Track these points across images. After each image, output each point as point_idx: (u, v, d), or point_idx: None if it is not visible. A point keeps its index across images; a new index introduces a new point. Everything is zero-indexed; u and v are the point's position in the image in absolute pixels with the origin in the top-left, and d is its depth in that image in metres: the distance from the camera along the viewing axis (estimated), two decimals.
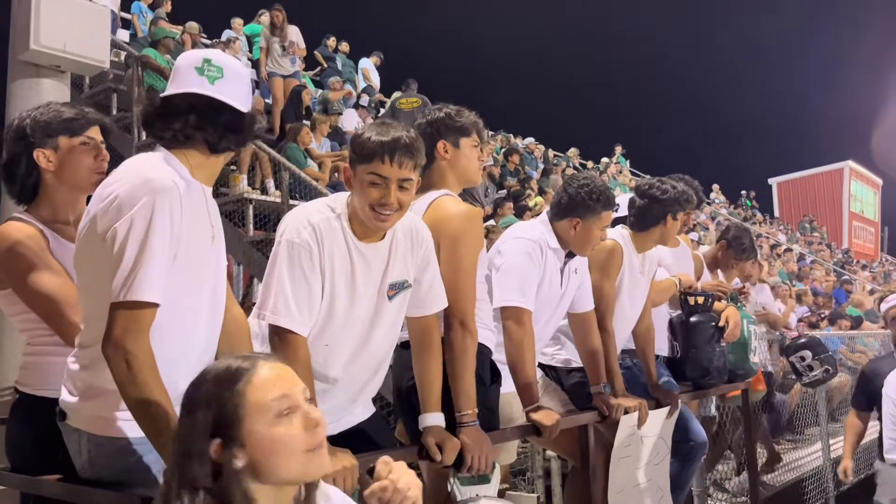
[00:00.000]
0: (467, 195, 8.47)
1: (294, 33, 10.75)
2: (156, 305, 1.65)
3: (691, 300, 3.75)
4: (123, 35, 10.23)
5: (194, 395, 1.23)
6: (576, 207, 2.92)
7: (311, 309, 2.03)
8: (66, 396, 1.80)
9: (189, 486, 1.12)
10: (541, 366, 3.24)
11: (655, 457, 3.27)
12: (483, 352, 2.47)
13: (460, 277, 2.36)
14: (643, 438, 3.15)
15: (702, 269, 4.23)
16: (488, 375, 2.54)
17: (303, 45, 11.64)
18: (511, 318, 2.76)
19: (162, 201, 1.65)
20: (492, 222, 8.86)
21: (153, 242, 1.63)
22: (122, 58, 8.96)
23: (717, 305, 3.80)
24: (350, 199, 2.11)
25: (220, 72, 1.80)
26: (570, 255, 3.02)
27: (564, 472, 4.63)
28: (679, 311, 3.81)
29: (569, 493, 3.35)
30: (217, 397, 1.18)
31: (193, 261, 1.76)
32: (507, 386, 2.77)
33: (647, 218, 3.36)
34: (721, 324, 3.75)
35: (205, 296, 1.83)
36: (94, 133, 2.17)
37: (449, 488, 2.42)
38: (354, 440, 2.11)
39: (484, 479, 2.42)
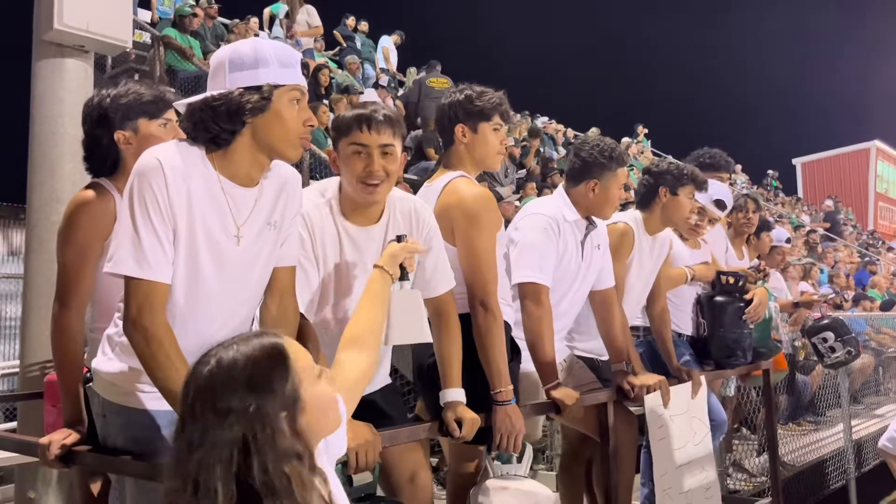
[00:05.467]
0: (486, 175, 8.44)
1: (304, 14, 10.85)
2: (163, 283, 1.66)
3: (723, 279, 3.72)
4: (144, 15, 10.26)
5: (252, 379, 1.14)
6: (591, 169, 2.90)
7: (311, 292, 2.09)
8: (95, 361, 1.85)
9: (288, 461, 1.11)
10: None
11: (693, 437, 3.25)
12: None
13: (479, 259, 2.37)
14: (673, 417, 3.14)
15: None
16: (508, 352, 2.53)
17: (317, 22, 11.71)
18: (529, 294, 2.75)
19: (140, 181, 1.66)
20: (515, 203, 8.81)
21: (136, 221, 1.65)
22: (145, 38, 9.00)
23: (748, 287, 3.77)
24: (340, 182, 2.15)
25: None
26: (589, 227, 2.97)
27: None
28: (705, 290, 3.79)
29: (595, 473, 3.36)
30: (280, 372, 1.16)
31: (203, 245, 1.72)
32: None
33: (645, 194, 3.36)
34: (748, 297, 3.71)
35: (213, 291, 1.76)
36: (171, 114, 2.21)
37: (482, 466, 2.44)
38: (364, 411, 2.13)
39: (518, 457, 2.44)
